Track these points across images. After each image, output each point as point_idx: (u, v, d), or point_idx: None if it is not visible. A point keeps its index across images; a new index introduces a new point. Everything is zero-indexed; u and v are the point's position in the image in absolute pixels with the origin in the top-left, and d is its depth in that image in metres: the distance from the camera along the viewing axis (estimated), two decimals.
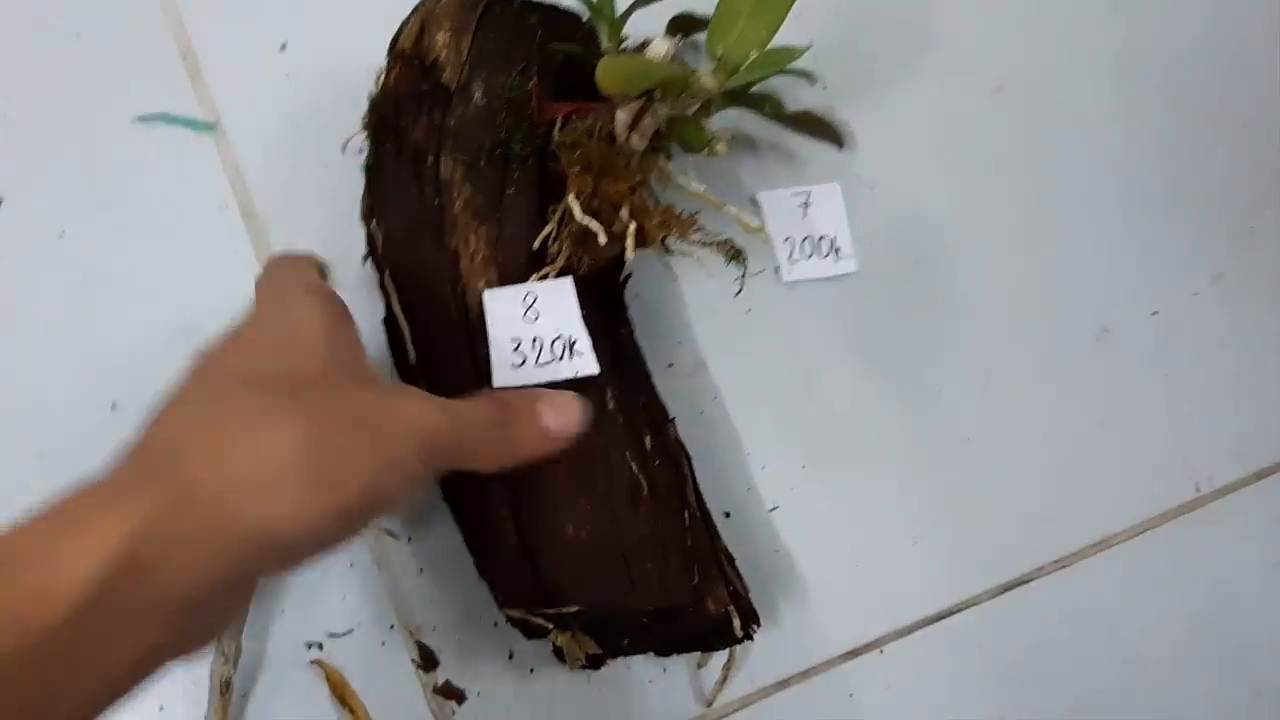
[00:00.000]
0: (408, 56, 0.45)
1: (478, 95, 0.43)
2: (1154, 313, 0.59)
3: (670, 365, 0.55)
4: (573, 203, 0.40)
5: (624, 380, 0.44)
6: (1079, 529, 0.56)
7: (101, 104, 0.55)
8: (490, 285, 0.41)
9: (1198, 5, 0.64)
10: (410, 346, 0.44)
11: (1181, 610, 0.56)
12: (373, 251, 0.47)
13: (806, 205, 0.57)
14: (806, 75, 0.53)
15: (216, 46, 0.56)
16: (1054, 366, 0.57)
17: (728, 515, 0.54)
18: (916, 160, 0.59)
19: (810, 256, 0.57)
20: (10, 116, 0.54)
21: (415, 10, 0.48)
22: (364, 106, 0.55)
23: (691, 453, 0.54)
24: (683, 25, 0.54)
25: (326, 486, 0.28)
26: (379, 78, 0.48)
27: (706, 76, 0.37)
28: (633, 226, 0.40)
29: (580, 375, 0.40)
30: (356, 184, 0.51)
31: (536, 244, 0.41)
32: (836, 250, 0.57)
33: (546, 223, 0.41)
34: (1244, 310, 0.60)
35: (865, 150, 0.58)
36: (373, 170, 0.46)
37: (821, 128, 0.54)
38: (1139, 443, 0.57)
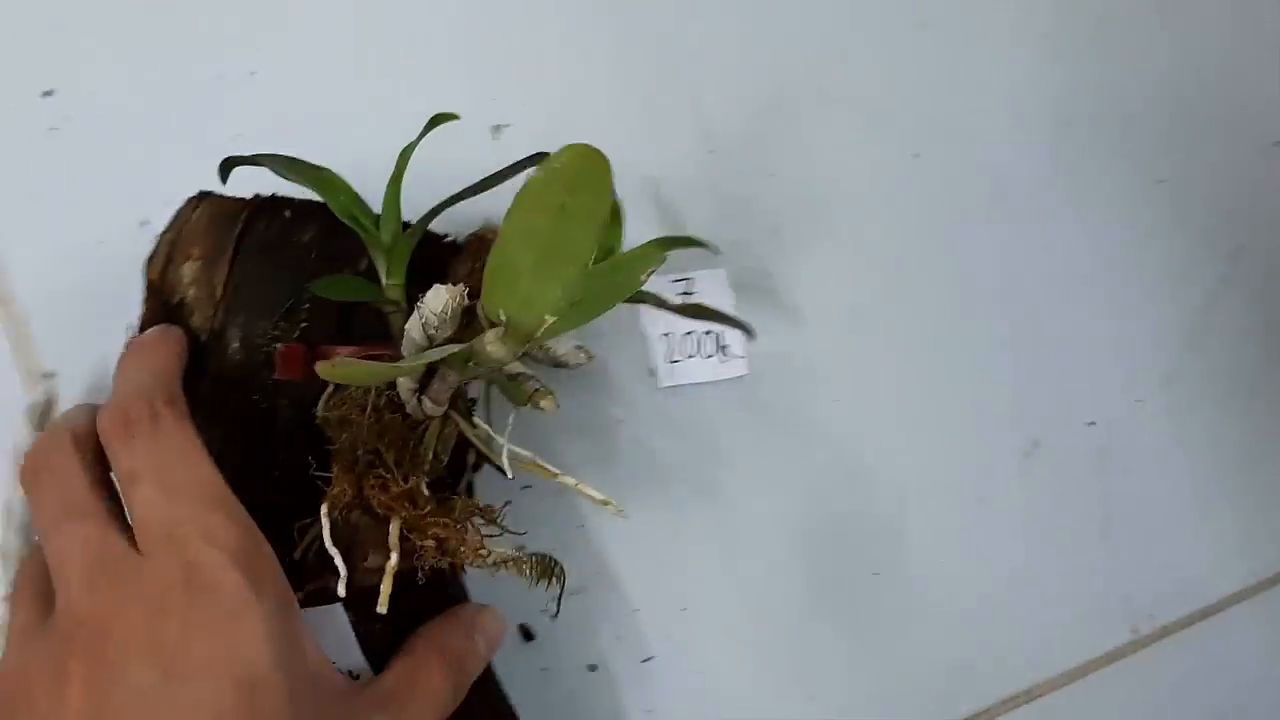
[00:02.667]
0: (155, 289, 0.35)
1: (234, 347, 0.33)
2: (1090, 423, 0.51)
3: (528, 487, 0.46)
4: (324, 519, 0.30)
5: None
6: (999, 678, 0.48)
7: None
8: None
9: (1154, 62, 0.55)
10: None
11: None
12: None
13: (688, 296, 0.48)
14: (706, 245, 0.44)
15: None
16: (975, 487, 0.49)
17: (593, 669, 0.45)
18: (819, 241, 0.50)
19: (692, 356, 0.48)
20: None
21: (167, 229, 0.37)
22: (148, 177, 0.45)
23: (549, 599, 0.46)
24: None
25: None
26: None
27: (494, 344, 0.29)
28: (393, 561, 0.30)
29: None
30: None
31: (298, 554, 0.32)
32: (723, 349, 0.48)
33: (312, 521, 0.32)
34: (1197, 420, 0.52)
35: (757, 230, 0.49)
36: None
37: (722, 318, 0.45)
38: (1070, 576, 0.50)
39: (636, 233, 0.48)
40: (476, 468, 0.40)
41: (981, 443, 0.50)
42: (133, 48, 0.47)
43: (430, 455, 0.32)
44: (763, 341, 0.49)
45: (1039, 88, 0.53)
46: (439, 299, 0.29)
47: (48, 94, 0.46)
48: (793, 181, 0.50)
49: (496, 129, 0.48)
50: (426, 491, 0.32)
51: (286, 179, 0.35)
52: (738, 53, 0.51)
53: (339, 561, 0.30)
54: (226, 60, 0.47)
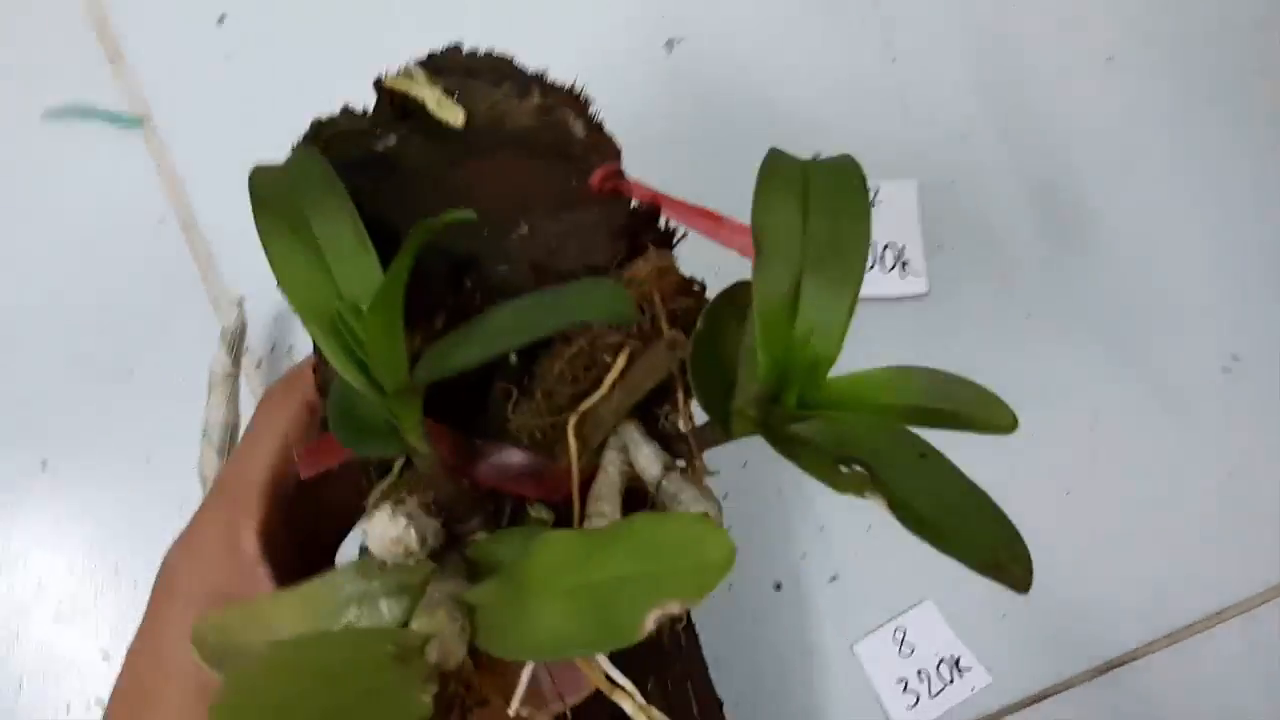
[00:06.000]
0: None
1: None
2: None
3: None
4: None
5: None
6: (1195, 599, 0.47)
7: (5, 98, 0.44)
8: None
9: None
10: None
11: None
12: None
13: (873, 204, 0.46)
14: None
15: (141, 20, 0.45)
16: (1173, 405, 0.47)
17: (778, 588, 0.45)
18: (1011, 149, 0.48)
19: (872, 268, 0.46)
20: None
21: None
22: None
23: (735, 516, 0.45)
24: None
25: None
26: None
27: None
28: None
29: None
30: None
31: None
32: (904, 264, 0.46)
33: None
34: None
35: (945, 138, 0.47)
36: None
37: None
38: (1272, 495, 0.47)
39: (823, 144, 0.47)
40: None
41: (1177, 359, 0.47)
42: None
43: None
44: (946, 258, 0.47)
45: None
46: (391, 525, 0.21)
47: (221, 20, 0.45)
48: (981, 87, 0.47)
49: (670, 44, 0.47)
50: None
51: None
52: None
53: None
54: None
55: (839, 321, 0.21)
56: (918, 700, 0.46)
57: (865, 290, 0.48)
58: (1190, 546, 0.47)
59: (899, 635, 0.46)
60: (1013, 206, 0.47)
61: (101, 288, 0.44)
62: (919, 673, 0.46)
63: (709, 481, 0.24)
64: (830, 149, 0.47)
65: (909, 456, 0.22)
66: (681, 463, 0.24)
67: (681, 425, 0.23)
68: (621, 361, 0.23)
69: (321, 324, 0.21)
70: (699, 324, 0.22)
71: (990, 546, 0.21)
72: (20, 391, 0.44)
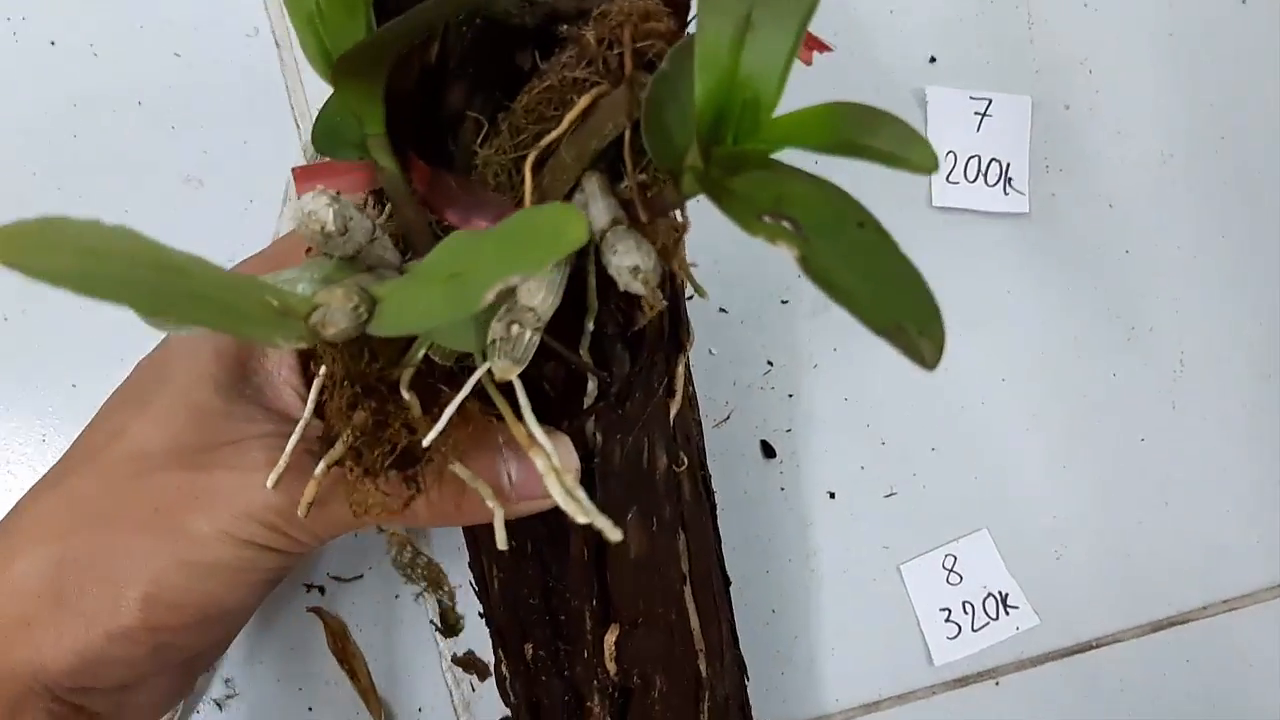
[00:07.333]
0: None
1: None
2: None
3: (785, 302, 0.44)
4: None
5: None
6: (1261, 569, 0.45)
7: None
8: None
9: None
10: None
11: None
12: None
13: (984, 116, 0.45)
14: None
15: None
16: (1260, 362, 0.46)
17: (832, 496, 0.44)
18: (1132, 80, 0.46)
19: (975, 180, 0.45)
20: None
21: None
22: None
23: (795, 419, 0.44)
24: None
25: (91, 613, 0.25)
26: None
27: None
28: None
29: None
30: None
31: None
32: (1008, 180, 0.45)
33: None
34: None
35: (1065, 60, 0.46)
36: None
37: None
38: None
39: (940, 44, 0.45)
40: None
41: (1272, 314, 0.46)
42: None
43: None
44: (1050, 182, 0.45)
45: None
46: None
47: None
48: (1109, 12, 0.46)
49: None
50: None
51: None
52: None
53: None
54: None
55: (779, 63, 0.19)
56: (959, 632, 0.44)
57: (966, 201, 0.46)
58: (1263, 512, 0.45)
59: (949, 562, 0.44)
60: (1124, 141, 0.46)
61: (187, 89, 0.43)
62: (964, 604, 0.44)
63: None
64: (947, 50, 0.46)
65: (846, 223, 0.20)
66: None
67: (626, 179, 0.22)
68: (584, 101, 0.22)
69: (303, 18, 0.22)
70: (662, 64, 0.20)
71: (898, 313, 0.20)
72: (84, 186, 0.42)
